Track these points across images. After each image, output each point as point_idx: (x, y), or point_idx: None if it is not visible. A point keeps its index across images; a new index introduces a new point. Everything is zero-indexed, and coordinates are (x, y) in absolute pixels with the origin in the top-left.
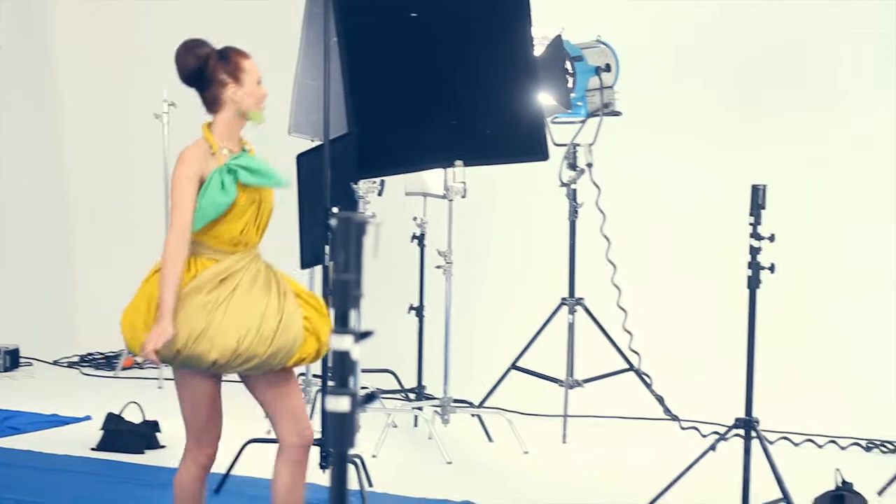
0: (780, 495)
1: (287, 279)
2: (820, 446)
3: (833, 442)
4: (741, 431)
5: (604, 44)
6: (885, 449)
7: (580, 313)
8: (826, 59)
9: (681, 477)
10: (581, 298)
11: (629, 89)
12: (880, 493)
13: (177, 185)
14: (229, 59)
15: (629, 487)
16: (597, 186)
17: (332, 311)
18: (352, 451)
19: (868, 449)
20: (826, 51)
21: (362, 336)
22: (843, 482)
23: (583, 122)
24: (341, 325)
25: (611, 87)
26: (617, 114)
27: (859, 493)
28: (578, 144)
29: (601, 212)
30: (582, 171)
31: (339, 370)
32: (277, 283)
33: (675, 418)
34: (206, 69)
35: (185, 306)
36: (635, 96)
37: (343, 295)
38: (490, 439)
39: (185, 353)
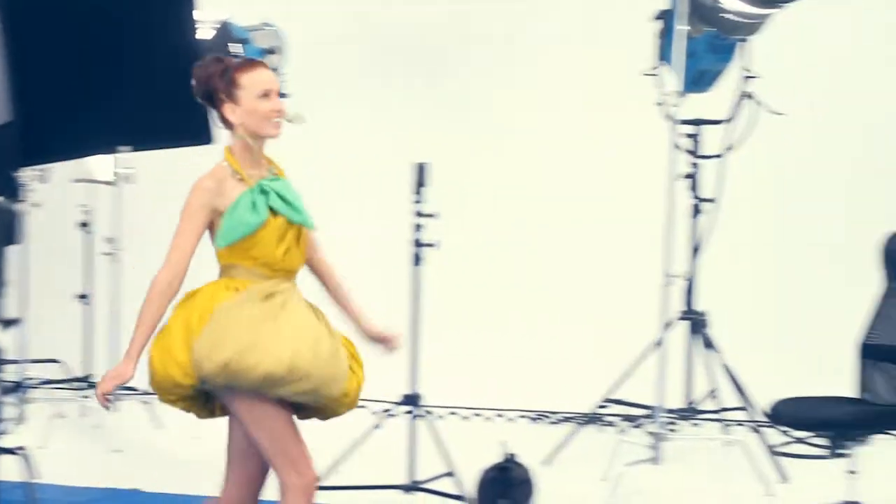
0: (447, 469)
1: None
2: (488, 419)
3: (500, 415)
4: (408, 408)
5: (270, 26)
6: (550, 420)
7: None
8: (485, 49)
9: (346, 456)
10: None
11: (298, 71)
12: (545, 462)
13: (184, 217)
14: (228, 75)
15: None
16: None
17: None
18: (16, 444)
19: (535, 420)
20: (488, 39)
21: (9, 323)
22: (509, 454)
23: None
24: None
25: (277, 69)
26: (284, 95)
27: (522, 464)
28: None
29: None
30: None
31: None
32: (324, 317)
33: None
34: (210, 89)
35: (232, 318)
36: (304, 77)
37: None
38: (161, 425)
39: (232, 367)
